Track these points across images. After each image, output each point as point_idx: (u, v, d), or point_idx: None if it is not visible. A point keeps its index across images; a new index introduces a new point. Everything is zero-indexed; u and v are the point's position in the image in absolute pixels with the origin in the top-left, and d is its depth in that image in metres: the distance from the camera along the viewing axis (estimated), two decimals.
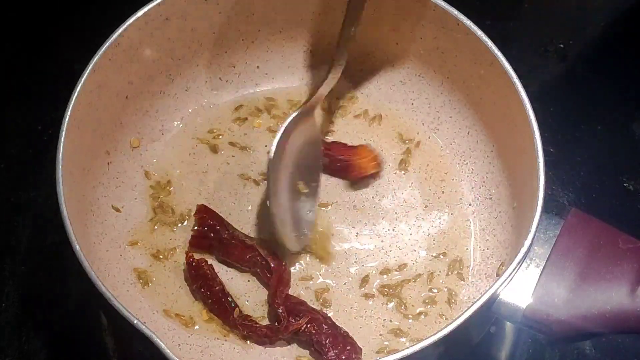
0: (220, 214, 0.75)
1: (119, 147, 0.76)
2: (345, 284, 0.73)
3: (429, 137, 0.80)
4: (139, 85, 0.76)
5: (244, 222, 0.75)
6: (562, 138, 0.89)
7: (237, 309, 0.71)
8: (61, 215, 0.64)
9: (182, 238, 0.75)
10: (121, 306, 0.60)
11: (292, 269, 0.73)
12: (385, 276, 0.73)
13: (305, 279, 0.73)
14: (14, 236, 0.83)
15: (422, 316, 0.72)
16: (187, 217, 0.75)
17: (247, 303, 0.72)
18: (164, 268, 0.73)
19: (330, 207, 0.76)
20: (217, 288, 0.71)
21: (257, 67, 0.82)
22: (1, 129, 0.89)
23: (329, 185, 0.77)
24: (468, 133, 0.78)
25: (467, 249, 0.75)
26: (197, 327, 0.71)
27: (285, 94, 0.82)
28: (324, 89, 0.75)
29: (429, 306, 0.72)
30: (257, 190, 0.77)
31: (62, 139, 0.67)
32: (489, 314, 0.67)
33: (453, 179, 0.78)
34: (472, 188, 0.77)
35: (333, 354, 0.68)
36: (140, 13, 0.72)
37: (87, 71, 0.69)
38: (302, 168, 0.74)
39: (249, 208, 0.76)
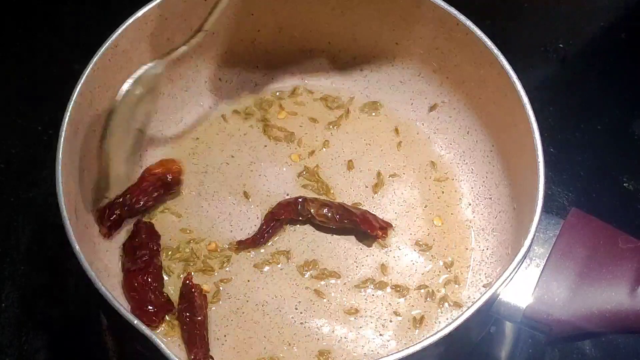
0: (221, 214, 0.75)
1: None
2: (345, 283, 0.73)
3: (429, 137, 0.80)
4: None
5: (244, 221, 0.75)
6: (562, 138, 0.89)
7: (207, 347, 0.68)
8: (61, 215, 0.64)
9: (182, 239, 0.75)
10: (121, 306, 0.60)
11: (293, 271, 0.73)
12: (384, 275, 0.73)
13: (313, 280, 0.73)
14: (14, 236, 0.83)
15: (422, 316, 0.72)
16: (186, 217, 0.75)
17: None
18: (163, 268, 0.73)
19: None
20: (199, 318, 0.69)
21: (257, 67, 0.82)
22: (1, 129, 0.89)
23: (329, 185, 0.77)
24: (468, 133, 0.78)
25: (467, 249, 0.75)
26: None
27: (285, 94, 0.82)
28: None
29: (428, 306, 0.72)
30: (257, 190, 0.77)
31: (62, 139, 0.67)
32: (489, 314, 0.67)
33: (453, 179, 0.78)
34: (472, 188, 0.77)
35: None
36: (139, 13, 0.72)
37: (87, 71, 0.69)
38: None
39: (249, 208, 0.76)
